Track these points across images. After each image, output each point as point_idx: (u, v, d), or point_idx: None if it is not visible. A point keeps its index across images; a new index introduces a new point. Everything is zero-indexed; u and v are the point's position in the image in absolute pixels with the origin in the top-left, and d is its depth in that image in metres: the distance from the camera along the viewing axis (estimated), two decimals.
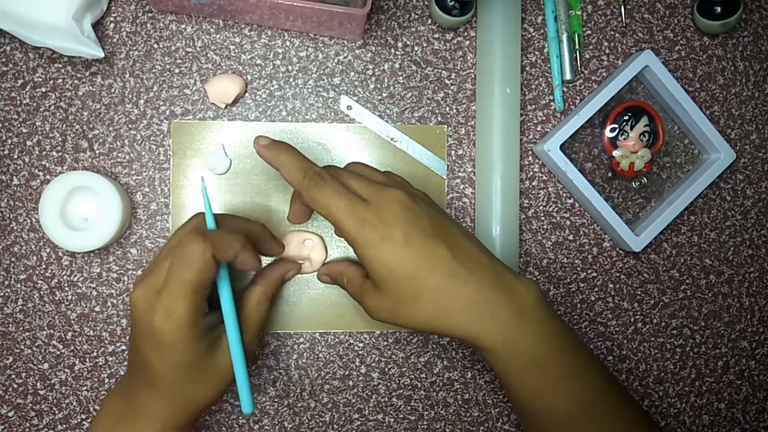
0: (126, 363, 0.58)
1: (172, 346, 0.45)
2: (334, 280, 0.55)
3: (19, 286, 0.57)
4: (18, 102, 0.57)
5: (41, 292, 0.57)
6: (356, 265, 0.52)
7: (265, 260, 0.57)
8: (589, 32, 0.62)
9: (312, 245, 0.57)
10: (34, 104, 0.57)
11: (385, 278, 0.46)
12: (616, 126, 0.60)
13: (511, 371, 0.47)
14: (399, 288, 0.46)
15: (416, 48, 0.60)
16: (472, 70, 0.61)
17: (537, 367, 0.46)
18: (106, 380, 0.58)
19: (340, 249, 0.59)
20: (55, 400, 0.57)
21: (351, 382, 0.59)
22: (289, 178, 0.47)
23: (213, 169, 0.58)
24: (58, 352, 0.57)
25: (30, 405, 0.57)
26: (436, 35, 0.60)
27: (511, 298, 0.46)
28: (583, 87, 0.61)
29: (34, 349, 0.57)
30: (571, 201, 0.61)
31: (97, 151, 0.58)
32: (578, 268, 0.61)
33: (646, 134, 0.59)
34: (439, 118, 0.60)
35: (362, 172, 0.50)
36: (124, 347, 0.58)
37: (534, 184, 0.61)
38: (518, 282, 0.47)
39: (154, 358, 0.46)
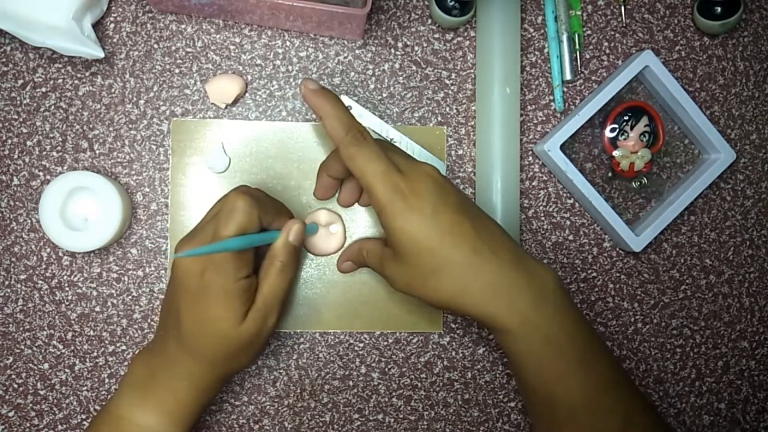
0: (125, 364, 0.58)
1: (214, 299, 0.46)
2: (355, 261, 0.55)
3: (19, 286, 0.57)
4: (18, 102, 0.57)
5: (41, 292, 0.57)
6: (372, 239, 0.53)
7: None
8: (589, 32, 0.62)
9: (337, 229, 0.58)
10: (35, 104, 0.57)
11: (407, 249, 0.46)
12: (616, 126, 0.60)
13: (527, 354, 0.46)
14: (420, 260, 0.46)
15: (416, 48, 0.60)
16: (472, 71, 0.61)
17: (554, 351, 0.46)
18: (107, 380, 0.58)
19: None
20: (55, 400, 0.57)
21: (351, 382, 0.59)
22: (331, 130, 0.47)
23: (212, 167, 0.58)
24: (59, 352, 0.57)
25: (30, 405, 0.57)
26: (436, 35, 0.60)
27: (531, 281, 0.46)
28: (583, 87, 0.61)
29: (35, 349, 0.57)
30: (571, 201, 0.61)
31: (97, 151, 0.58)
32: (578, 268, 0.61)
33: (646, 134, 0.59)
34: (439, 119, 0.60)
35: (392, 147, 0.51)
36: (124, 347, 0.58)
37: (534, 184, 0.61)
38: (538, 266, 0.47)
39: (189, 314, 0.47)
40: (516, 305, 0.45)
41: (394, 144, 0.59)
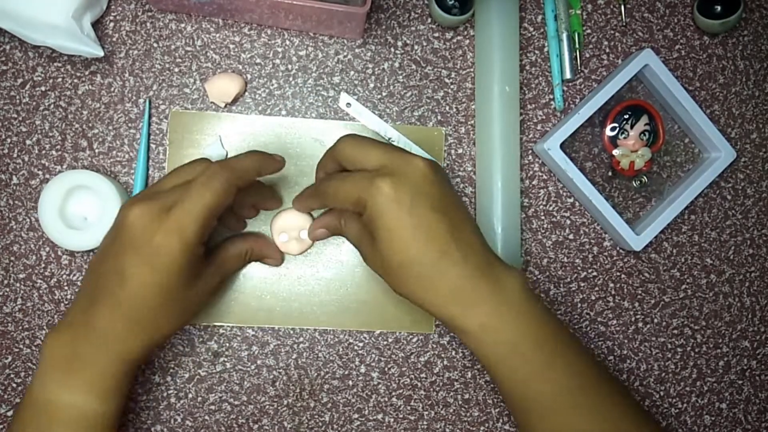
0: None
1: (166, 265, 0.45)
2: (330, 228, 0.55)
3: (18, 285, 0.57)
4: (17, 101, 0.57)
5: (40, 291, 0.57)
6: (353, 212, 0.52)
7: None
8: (589, 31, 0.62)
9: (306, 236, 0.58)
10: (34, 103, 0.57)
11: (381, 236, 0.46)
12: (616, 125, 0.60)
13: (490, 357, 0.47)
14: (391, 251, 0.46)
15: (416, 47, 0.60)
16: (471, 69, 0.61)
17: (518, 355, 0.47)
18: None
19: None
20: None
21: (351, 382, 0.59)
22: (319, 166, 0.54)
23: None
24: None
25: None
26: (436, 34, 0.60)
27: (495, 286, 0.46)
28: (583, 86, 0.61)
29: (33, 348, 0.57)
30: (572, 200, 0.61)
31: (96, 150, 0.58)
32: (579, 268, 0.61)
33: (647, 133, 0.59)
34: (439, 117, 0.60)
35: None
36: None
37: (534, 183, 0.61)
38: (505, 272, 0.47)
39: (137, 274, 0.45)
40: (476, 309, 0.46)
41: (392, 143, 0.59)
